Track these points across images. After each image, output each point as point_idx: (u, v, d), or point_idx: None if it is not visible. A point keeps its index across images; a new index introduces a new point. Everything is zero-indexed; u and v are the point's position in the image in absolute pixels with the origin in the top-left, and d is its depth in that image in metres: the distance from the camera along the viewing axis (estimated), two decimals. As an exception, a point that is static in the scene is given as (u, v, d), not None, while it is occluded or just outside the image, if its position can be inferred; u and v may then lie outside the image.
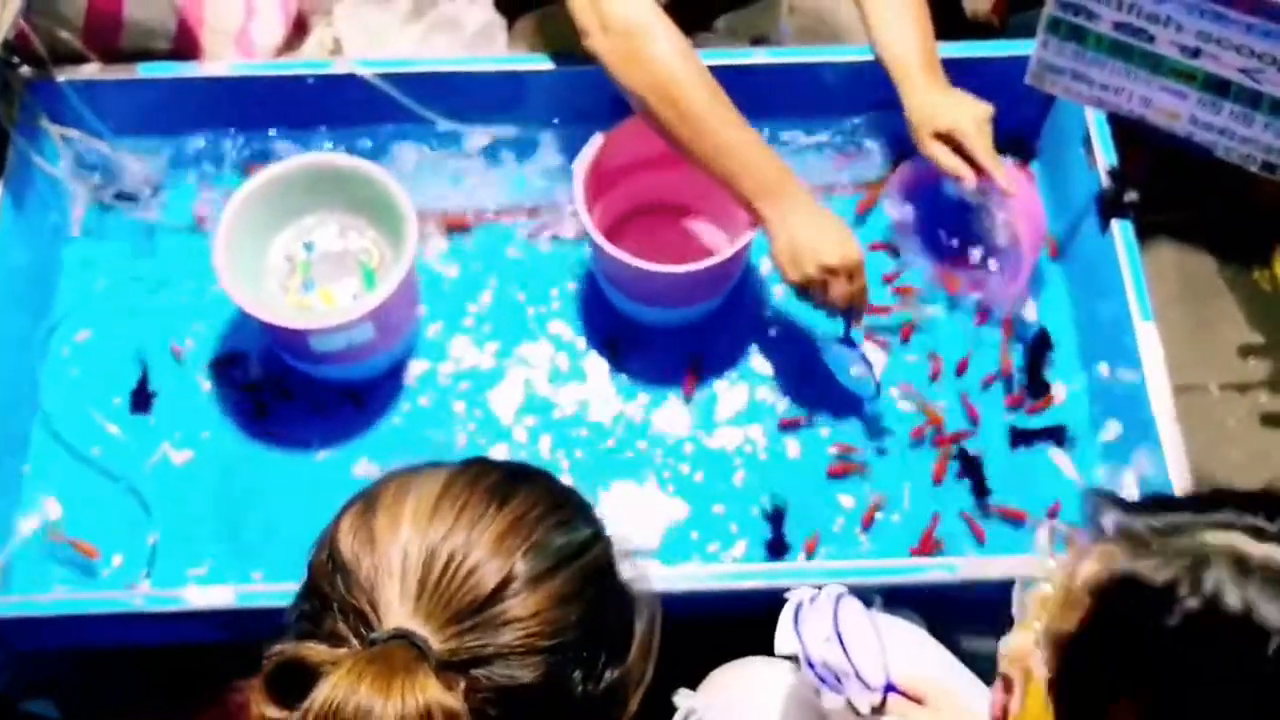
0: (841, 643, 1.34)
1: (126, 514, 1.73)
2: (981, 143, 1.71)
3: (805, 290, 1.66)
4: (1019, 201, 1.76)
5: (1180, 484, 1.60)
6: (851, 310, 1.69)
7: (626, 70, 1.62)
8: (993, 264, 1.85)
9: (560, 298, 1.88)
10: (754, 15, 2.10)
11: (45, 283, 1.84)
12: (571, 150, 1.77)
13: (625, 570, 0.91)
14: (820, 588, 1.40)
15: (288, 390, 1.80)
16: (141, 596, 1.57)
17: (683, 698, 1.48)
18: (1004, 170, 1.72)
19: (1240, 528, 0.84)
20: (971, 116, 1.72)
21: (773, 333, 1.87)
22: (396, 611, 0.78)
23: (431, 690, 0.75)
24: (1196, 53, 1.57)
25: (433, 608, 0.78)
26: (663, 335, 1.85)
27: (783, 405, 1.82)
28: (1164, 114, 1.65)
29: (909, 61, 1.75)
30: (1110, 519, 0.89)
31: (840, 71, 1.88)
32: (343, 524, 0.84)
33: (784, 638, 1.37)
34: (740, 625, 1.48)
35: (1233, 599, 0.80)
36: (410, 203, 1.70)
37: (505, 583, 0.80)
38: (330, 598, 0.81)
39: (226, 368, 1.81)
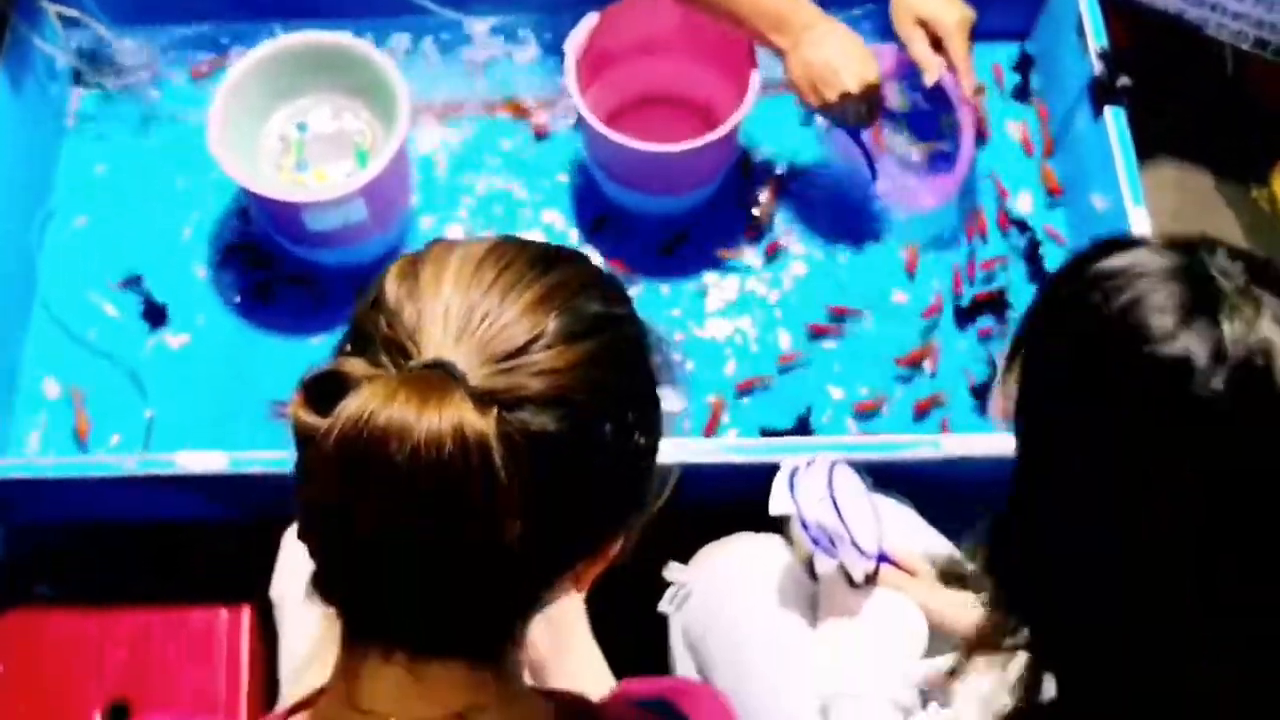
0: (836, 506, 1.34)
1: (124, 396, 1.74)
2: (959, 40, 1.72)
3: (825, 110, 1.69)
4: (966, 109, 1.77)
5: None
6: (865, 123, 1.73)
7: None
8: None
9: (553, 187, 1.89)
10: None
11: (43, 167, 1.86)
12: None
13: (656, 362, 0.90)
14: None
15: (284, 276, 1.81)
16: (135, 460, 1.57)
17: (673, 571, 1.48)
18: (972, 74, 1.73)
19: None
20: (956, 15, 1.73)
21: (764, 220, 1.87)
22: (436, 346, 0.80)
23: (466, 412, 0.76)
24: (1187, -76, 1.58)
25: (470, 348, 0.80)
26: (655, 223, 1.85)
27: (774, 296, 1.82)
28: (1155, -10, 1.65)
29: None
30: None
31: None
32: (389, 274, 0.85)
33: (779, 498, 1.37)
34: (731, 506, 1.49)
35: None
36: (404, 82, 1.72)
37: (537, 337, 0.81)
38: (373, 334, 0.82)
39: (222, 253, 1.83)
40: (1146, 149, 1.80)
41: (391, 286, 0.84)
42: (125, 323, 1.79)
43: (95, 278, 1.81)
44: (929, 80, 1.74)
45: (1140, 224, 1.69)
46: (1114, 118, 1.75)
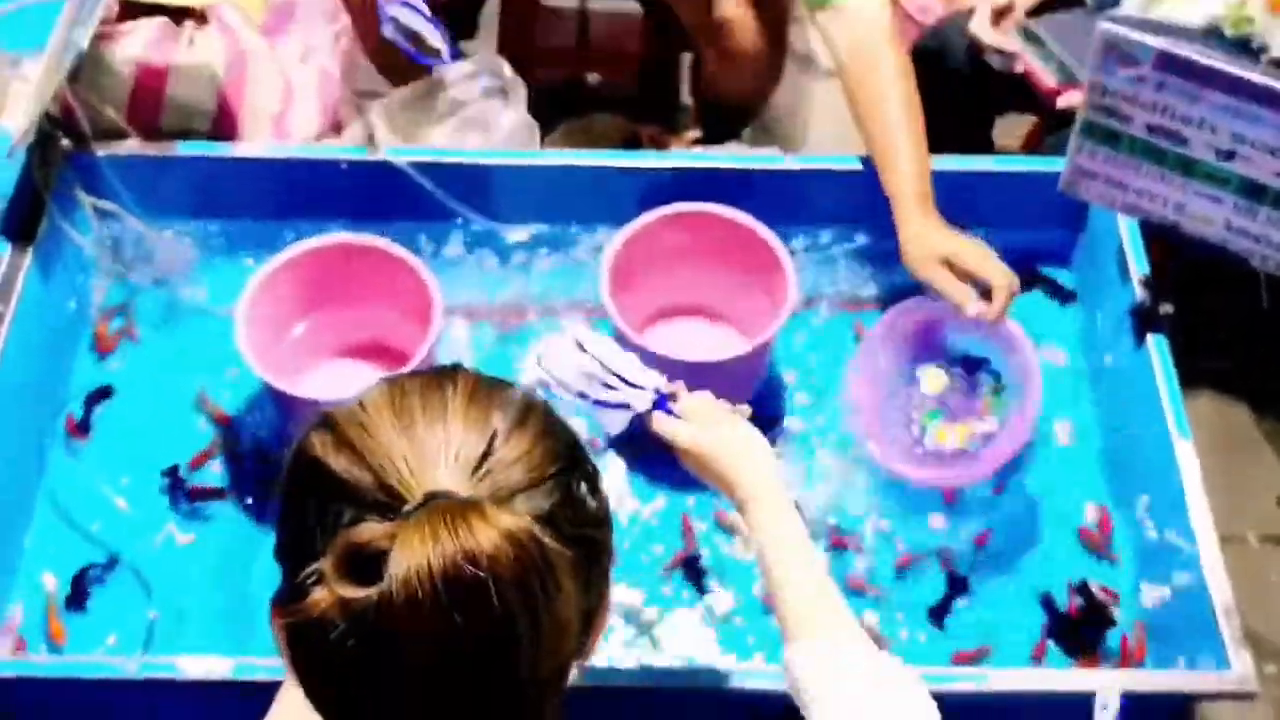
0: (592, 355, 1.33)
1: (126, 593, 1.68)
2: (990, 266, 1.67)
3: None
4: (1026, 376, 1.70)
5: (1221, 599, 1.54)
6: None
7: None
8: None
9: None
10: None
11: (64, 354, 1.84)
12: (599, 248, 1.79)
13: None
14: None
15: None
16: (135, 663, 1.50)
17: None
18: (1008, 294, 1.66)
19: None
20: (974, 248, 1.69)
21: (793, 439, 1.83)
22: (417, 484, 0.80)
23: (501, 517, 0.78)
24: (1231, 155, 1.57)
25: (444, 471, 0.81)
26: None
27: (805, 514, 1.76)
28: (1199, 220, 1.64)
29: (904, 189, 1.73)
30: None
31: (867, 181, 1.87)
32: (313, 446, 0.84)
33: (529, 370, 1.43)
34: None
35: None
36: (436, 283, 1.71)
37: (494, 435, 0.83)
38: (341, 500, 0.81)
39: (236, 450, 1.79)
40: (1185, 380, 1.76)
41: (328, 458, 0.83)
42: (134, 517, 1.74)
43: (106, 469, 1.77)
44: (969, 314, 1.66)
45: (1186, 456, 1.64)
46: (1156, 346, 1.73)
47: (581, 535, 0.84)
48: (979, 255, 1.68)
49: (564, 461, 0.85)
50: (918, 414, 1.81)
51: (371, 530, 0.78)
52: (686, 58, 2.57)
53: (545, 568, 0.79)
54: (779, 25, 2.17)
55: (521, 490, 0.82)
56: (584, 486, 0.86)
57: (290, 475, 0.85)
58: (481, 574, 0.76)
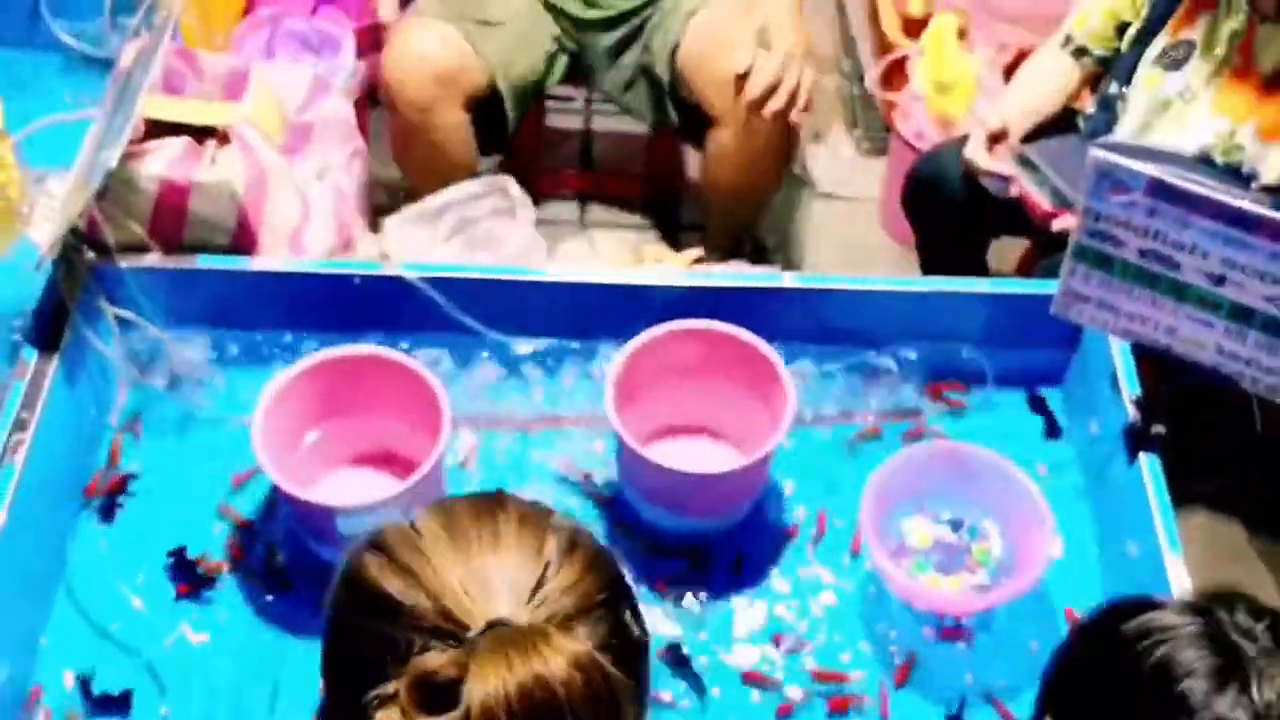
0: None
1: (140, 691, 1.70)
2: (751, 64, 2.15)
3: None
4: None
5: None
6: None
7: None
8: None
9: (584, 503, 1.89)
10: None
11: (84, 458, 1.87)
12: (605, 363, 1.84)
13: None
14: None
15: (308, 579, 1.79)
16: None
17: None
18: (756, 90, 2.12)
19: None
20: (774, 56, 2.13)
21: (791, 549, 1.86)
22: (478, 612, 0.83)
23: (566, 643, 0.81)
24: (1221, 280, 1.60)
25: (506, 600, 0.84)
26: (683, 544, 1.84)
27: (803, 625, 1.79)
28: (1190, 343, 1.67)
29: None
30: None
31: (863, 300, 1.94)
32: (368, 568, 0.87)
33: None
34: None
35: None
36: (445, 394, 1.75)
37: (547, 564, 0.86)
38: (400, 626, 0.84)
39: (250, 554, 1.82)
40: (1178, 498, 1.80)
41: (386, 584, 0.86)
42: (149, 617, 1.76)
43: (124, 569, 1.79)
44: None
45: (1177, 574, 1.66)
46: (1149, 464, 1.76)
47: (634, 662, 0.87)
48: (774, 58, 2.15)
49: (610, 591, 0.88)
50: (907, 562, 1.83)
51: (439, 659, 0.81)
52: (689, 176, 2.65)
53: (610, 692, 0.83)
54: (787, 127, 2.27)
55: (574, 617, 0.84)
56: (629, 614, 0.89)
57: (344, 594, 0.88)
58: (557, 698, 0.79)
